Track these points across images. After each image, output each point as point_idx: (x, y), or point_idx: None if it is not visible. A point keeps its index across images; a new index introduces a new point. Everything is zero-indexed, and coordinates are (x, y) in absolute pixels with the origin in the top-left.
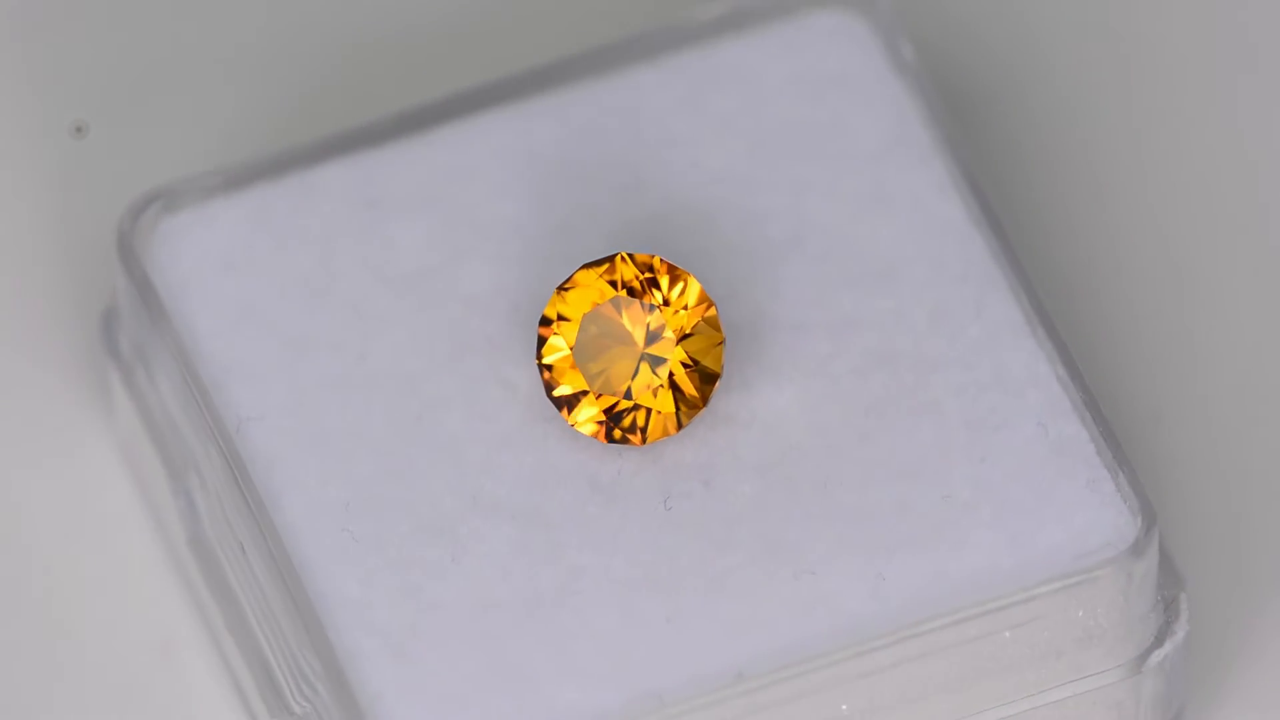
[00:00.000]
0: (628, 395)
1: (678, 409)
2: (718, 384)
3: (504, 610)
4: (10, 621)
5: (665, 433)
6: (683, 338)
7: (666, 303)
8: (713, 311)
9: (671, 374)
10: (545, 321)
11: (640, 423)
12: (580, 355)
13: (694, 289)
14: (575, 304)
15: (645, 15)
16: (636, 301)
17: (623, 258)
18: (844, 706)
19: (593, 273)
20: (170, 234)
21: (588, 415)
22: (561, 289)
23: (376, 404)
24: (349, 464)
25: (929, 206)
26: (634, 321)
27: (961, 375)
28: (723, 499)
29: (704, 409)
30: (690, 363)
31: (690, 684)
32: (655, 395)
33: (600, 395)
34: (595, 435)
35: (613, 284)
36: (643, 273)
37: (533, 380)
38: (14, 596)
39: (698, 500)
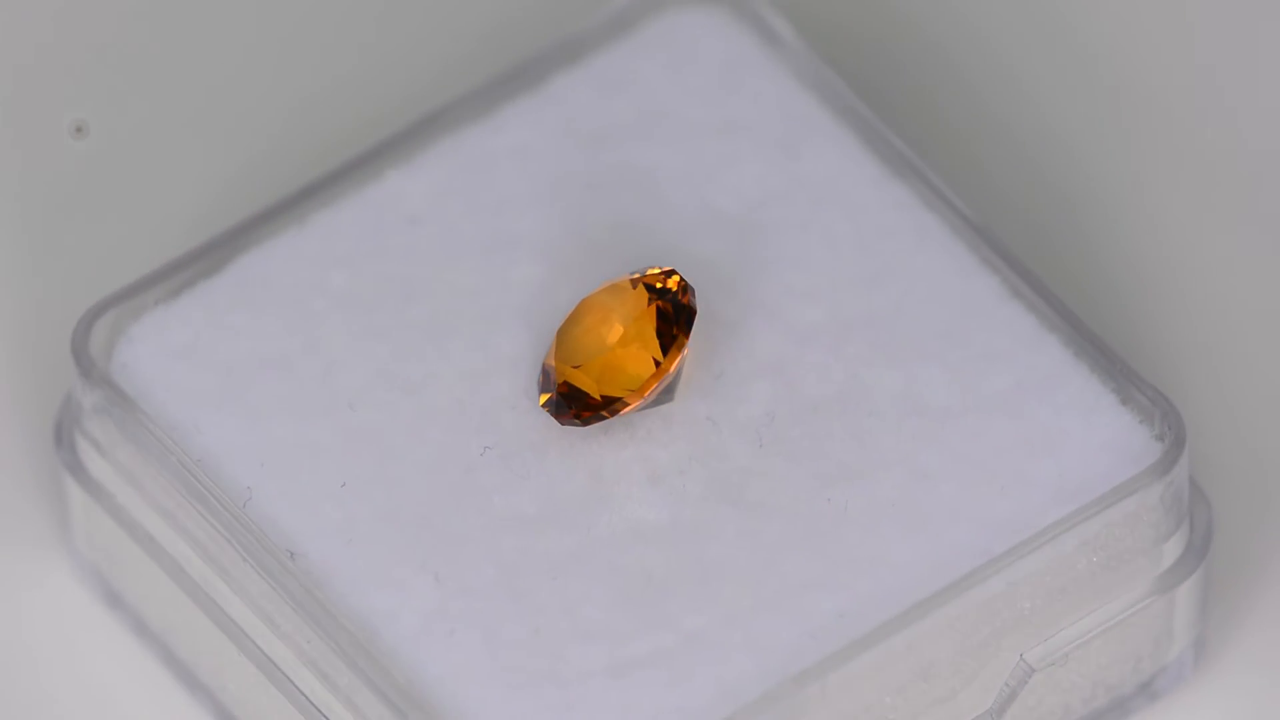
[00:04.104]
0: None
1: (567, 409)
2: (596, 413)
3: (321, 420)
4: None
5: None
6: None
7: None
8: (660, 386)
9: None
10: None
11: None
12: (570, 325)
13: (677, 354)
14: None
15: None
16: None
17: (678, 282)
18: None
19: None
20: (124, 340)
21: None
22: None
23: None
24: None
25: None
26: (608, 335)
27: (911, 313)
28: (526, 489)
29: (586, 426)
30: (595, 395)
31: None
32: (551, 388)
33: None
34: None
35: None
36: (664, 301)
37: None
38: None
39: (514, 472)
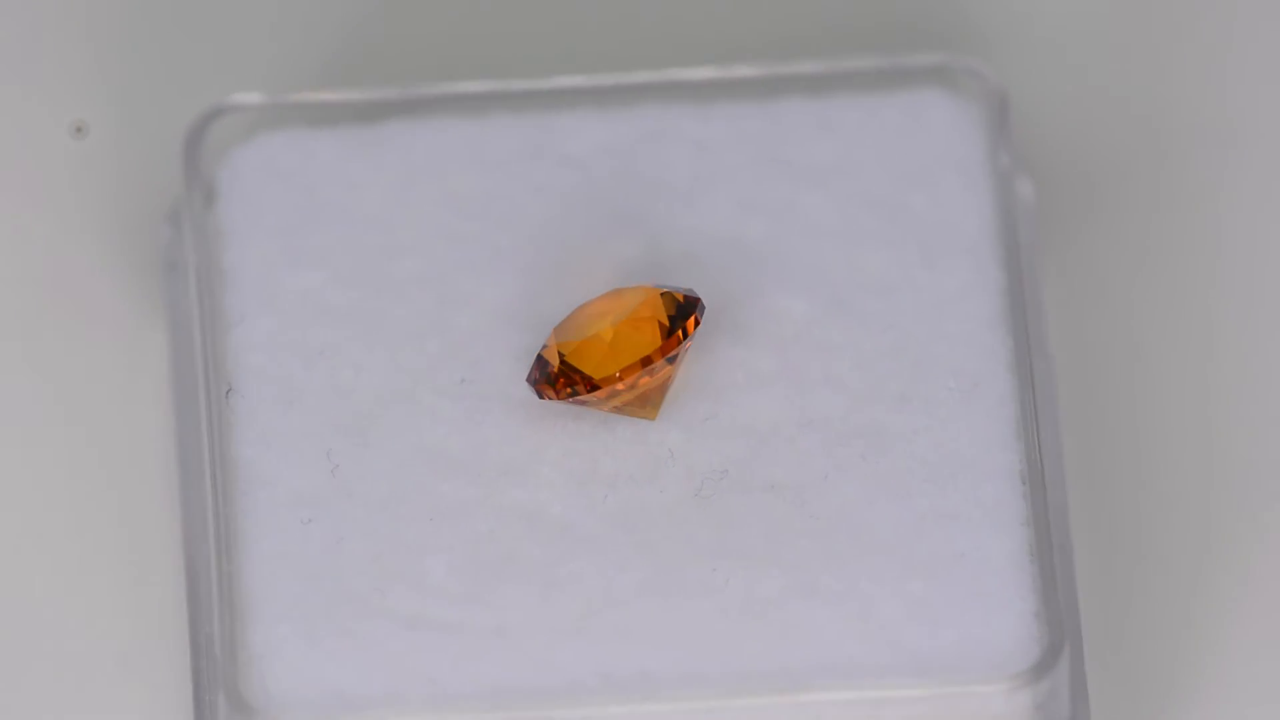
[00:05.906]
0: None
1: (535, 377)
2: (559, 388)
3: (347, 289)
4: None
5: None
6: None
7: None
8: (646, 392)
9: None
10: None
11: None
12: (585, 305)
13: (639, 369)
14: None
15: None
16: (628, 323)
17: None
18: None
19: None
20: (246, 143)
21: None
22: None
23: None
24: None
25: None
26: (598, 326)
27: (919, 448)
28: (469, 433)
29: (555, 401)
30: (554, 370)
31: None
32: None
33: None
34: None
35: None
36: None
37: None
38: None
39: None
